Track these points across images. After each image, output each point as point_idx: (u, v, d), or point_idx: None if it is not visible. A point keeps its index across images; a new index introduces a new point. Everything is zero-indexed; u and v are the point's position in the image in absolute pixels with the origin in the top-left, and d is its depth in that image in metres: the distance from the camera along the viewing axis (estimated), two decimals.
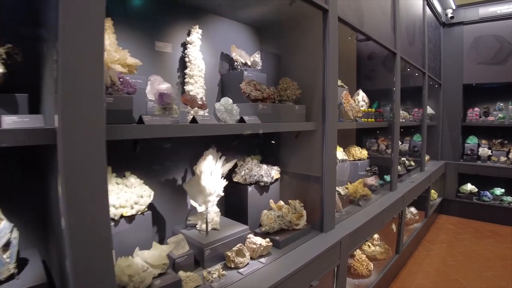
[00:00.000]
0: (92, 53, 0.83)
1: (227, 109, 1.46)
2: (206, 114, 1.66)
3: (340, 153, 2.82)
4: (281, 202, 1.92)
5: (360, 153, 3.01)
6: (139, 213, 1.44)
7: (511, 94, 4.99)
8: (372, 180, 3.32)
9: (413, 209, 3.95)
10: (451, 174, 5.23)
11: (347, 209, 2.43)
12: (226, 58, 2.02)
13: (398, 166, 3.54)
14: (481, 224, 4.86)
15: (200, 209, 1.65)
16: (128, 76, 1.39)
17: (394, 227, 2.86)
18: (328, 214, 1.94)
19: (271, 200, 1.91)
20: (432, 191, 5.10)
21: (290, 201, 1.94)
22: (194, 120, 1.31)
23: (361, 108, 2.75)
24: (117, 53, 1.42)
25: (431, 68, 4.50)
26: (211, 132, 1.29)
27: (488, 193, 4.97)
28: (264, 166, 2.01)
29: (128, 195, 1.40)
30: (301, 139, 2.00)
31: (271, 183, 2.00)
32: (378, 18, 2.74)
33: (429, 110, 5.12)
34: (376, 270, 2.76)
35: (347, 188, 2.56)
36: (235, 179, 1.92)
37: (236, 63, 1.93)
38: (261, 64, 2.02)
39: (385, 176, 3.68)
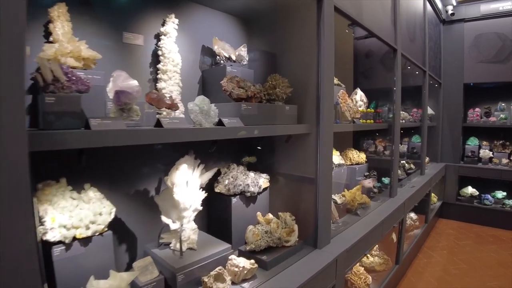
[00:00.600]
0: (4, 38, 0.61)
1: (203, 110, 1.23)
2: (182, 115, 1.44)
3: (336, 157, 2.60)
4: (270, 215, 1.70)
5: (358, 156, 2.80)
6: (97, 234, 1.21)
7: None
8: (369, 183, 3.13)
9: (413, 215, 3.75)
10: (451, 176, 5.05)
11: (344, 219, 2.21)
12: (208, 52, 1.80)
13: (398, 170, 3.34)
14: (482, 229, 4.68)
15: (174, 226, 1.42)
16: (82, 71, 1.16)
17: (394, 236, 2.66)
18: (323, 228, 1.72)
19: (258, 213, 1.69)
20: (432, 194, 4.92)
21: (280, 213, 1.72)
22: (159, 124, 1.08)
23: (360, 109, 2.54)
24: (70, 44, 1.19)
25: (431, 67, 4.31)
26: (178, 138, 1.06)
27: (489, 196, 4.79)
28: (251, 174, 1.78)
29: (83, 213, 1.17)
30: (293, 143, 1.78)
31: (259, 193, 1.77)
32: (378, 12, 2.53)
33: (429, 110, 4.92)
34: (375, 283, 2.55)
35: (344, 196, 2.35)
36: (217, 189, 1.70)
37: (218, 57, 1.71)
38: (247, 59, 1.79)
39: (383, 179, 3.49)
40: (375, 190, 2.70)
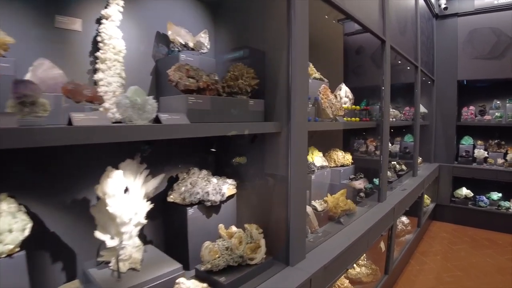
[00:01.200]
0: None
1: (135, 103, 0.99)
2: (114, 109, 1.19)
3: (319, 159, 2.37)
4: (234, 228, 1.46)
5: (343, 157, 2.57)
6: (3, 256, 0.97)
7: (508, 91, 4.63)
8: (360, 184, 2.93)
9: (404, 219, 3.54)
10: (445, 177, 4.85)
11: (325, 229, 1.98)
12: (164, 40, 1.55)
13: (388, 172, 3.12)
14: (477, 232, 4.49)
15: (112, 243, 1.18)
16: None
17: (382, 245, 2.43)
18: (296, 241, 1.49)
19: (220, 226, 1.45)
20: (425, 196, 4.72)
21: (246, 226, 1.48)
22: (70, 121, 0.84)
23: (344, 105, 2.31)
24: None
25: (423, 63, 4.10)
26: (87, 139, 0.81)
27: (484, 198, 4.61)
28: (214, 180, 1.54)
29: None
30: (261, 144, 1.55)
31: (223, 202, 1.53)
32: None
33: (421, 108, 4.72)
34: None
35: (326, 202, 2.11)
36: (170, 198, 1.45)
37: (173, 44, 1.46)
38: (208, 46, 1.55)
39: (375, 180, 3.28)
40: (362, 194, 2.48)
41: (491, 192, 4.65)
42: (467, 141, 4.95)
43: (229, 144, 1.74)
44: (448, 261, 3.57)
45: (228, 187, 1.56)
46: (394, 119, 3.24)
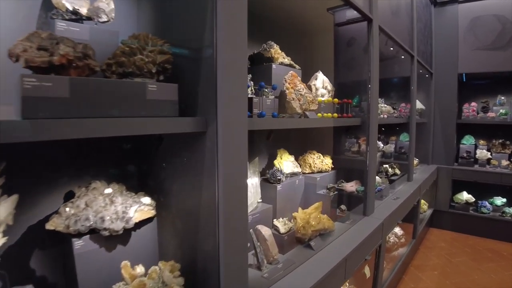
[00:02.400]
0: None
1: None
2: None
3: (289, 164, 1.93)
4: (138, 269, 1.01)
5: (322, 162, 2.13)
6: None
7: None
8: (352, 186, 2.52)
9: (397, 230, 3.10)
10: (444, 181, 4.42)
11: (289, 256, 1.54)
12: (51, 7, 1.10)
13: (378, 177, 2.68)
14: (479, 241, 4.06)
15: None
16: None
17: (367, 270, 1.99)
18: (232, 282, 1.04)
19: (124, 264, 1.01)
20: (422, 201, 4.29)
21: (160, 264, 1.04)
22: None
23: (318, 98, 1.86)
24: None
25: (420, 53, 3.66)
26: None
27: (487, 203, 4.18)
28: (118, 200, 1.09)
29: None
30: (181, 149, 1.10)
31: (128, 229, 1.09)
32: None
33: (418, 104, 4.29)
34: None
35: (295, 219, 1.67)
36: (49, 225, 1.00)
37: (56, 10, 1.01)
38: (112, 15, 1.10)
39: (376, 177, 2.88)
40: (343, 207, 2.03)
41: (495, 197, 4.23)
42: (468, 141, 4.52)
43: (157, 148, 1.29)
44: (447, 277, 3.14)
45: (140, 208, 1.11)
46: (385, 116, 2.80)
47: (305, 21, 2.59)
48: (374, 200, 2.26)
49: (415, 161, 4.27)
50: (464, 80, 4.53)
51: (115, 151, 1.31)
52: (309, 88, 1.97)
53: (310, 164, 2.06)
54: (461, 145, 4.55)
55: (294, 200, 1.92)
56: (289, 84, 1.62)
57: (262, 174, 1.92)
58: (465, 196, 4.30)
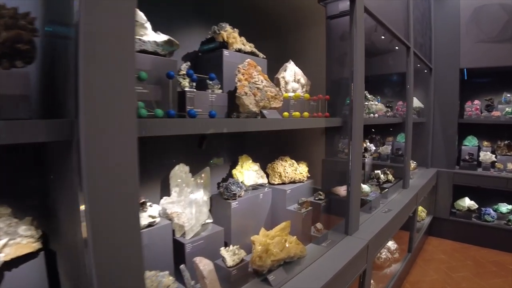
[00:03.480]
0: None
1: None
2: None
3: (252, 174, 1.58)
4: None
5: (295, 171, 1.77)
6: None
7: None
8: (345, 190, 2.16)
9: (391, 244, 2.74)
10: (444, 186, 4.05)
11: None
12: None
13: (367, 186, 2.32)
14: (482, 252, 3.70)
15: None
16: None
17: None
18: None
19: None
20: (420, 208, 3.93)
21: None
22: None
23: (285, 93, 1.50)
24: None
25: (418, 45, 3.29)
26: None
27: (491, 210, 3.82)
28: None
29: None
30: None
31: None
32: None
33: (416, 102, 3.92)
34: None
35: (253, 244, 1.32)
36: None
37: None
38: None
39: (363, 186, 2.55)
40: (320, 226, 1.67)
41: (500, 204, 3.87)
42: (471, 142, 4.16)
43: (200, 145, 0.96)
44: None
45: (15, 241, 0.76)
46: (375, 115, 2.43)
47: (295, 13, 2.26)
48: (359, 215, 1.90)
49: (413, 164, 3.90)
50: (466, 78, 4.17)
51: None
52: (277, 81, 1.62)
53: (280, 173, 1.70)
54: (463, 147, 4.18)
55: (257, 219, 1.56)
56: (242, 75, 1.26)
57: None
58: (467, 202, 3.93)
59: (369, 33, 3.61)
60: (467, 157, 4.05)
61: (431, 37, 4.03)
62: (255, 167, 1.61)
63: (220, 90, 1.25)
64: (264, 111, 1.26)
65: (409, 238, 2.97)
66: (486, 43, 3.84)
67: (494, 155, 3.88)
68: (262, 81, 1.32)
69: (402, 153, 4.08)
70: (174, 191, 1.28)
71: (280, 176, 1.70)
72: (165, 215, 1.23)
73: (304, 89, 1.71)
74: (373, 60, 4.00)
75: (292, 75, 1.64)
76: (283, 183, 1.73)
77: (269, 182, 1.71)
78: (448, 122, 4.09)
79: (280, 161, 1.76)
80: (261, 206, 1.57)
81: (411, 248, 2.99)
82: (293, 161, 1.81)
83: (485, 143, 4.07)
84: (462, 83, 4.12)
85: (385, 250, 2.68)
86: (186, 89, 1.12)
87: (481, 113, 4.00)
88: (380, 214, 2.19)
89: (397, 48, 2.91)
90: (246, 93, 1.24)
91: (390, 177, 2.72)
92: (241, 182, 1.52)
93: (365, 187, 2.20)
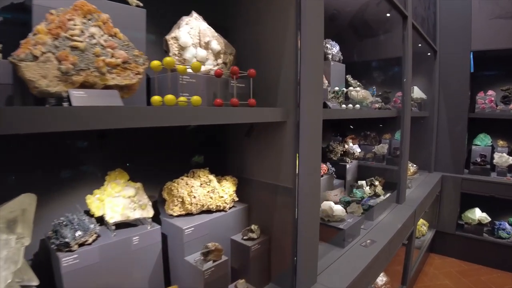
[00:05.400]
0: None
1: None
2: None
3: (121, 203, 0.91)
4: None
5: (210, 193, 1.09)
6: None
7: None
8: (335, 195, 1.86)
9: (379, 279, 2.07)
10: (450, 194, 3.37)
11: None
12: None
13: (339, 207, 1.64)
14: (496, 277, 3.02)
15: None
16: None
17: None
18: None
19: None
20: (421, 220, 3.26)
21: None
22: None
23: (179, 67, 0.82)
24: None
25: (419, 17, 2.59)
26: None
27: (507, 225, 3.15)
28: None
29: None
30: None
31: None
32: None
33: (418, 92, 3.23)
34: None
35: None
36: None
37: None
38: None
39: (355, 191, 1.94)
40: (241, 285, 1.01)
41: None
42: (483, 141, 3.46)
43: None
44: None
45: None
46: (355, 106, 1.73)
47: None
48: (316, 260, 1.24)
49: (412, 168, 3.22)
50: (476, 64, 3.46)
51: None
52: (166, 46, 0.94)
53: (183, 198, 1.03)
54: (473, 147, 3.48)
55: (128, 282, 0.90)
56: (48, 24, 0.59)
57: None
58: (477, 214, 3.24)
59: (363, 9, 2.94)
60: (478, 160, 3.35)
61: (436, 13, 3.31)
62: (131, 190, 0.95)
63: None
64: (76, 93, 0.59)
65: (403, 269, 2.29)
66: (503, 19, 3.12)
67: (511, 158, 3.18)
68: (94, 37, 0.65)
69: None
70: None
71: (183, 203, 1.04)
72: None
73: (220, 61, 1.04)
74: (367, 43, 3.32)
75: (195, 35, 0.97)
76: (189, 214, 1.07)
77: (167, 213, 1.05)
78: (456, 116, 3.38)
79: (186, 179, 1.09)
80: (137, 259, 0.91)
81: (406, 280, 2.32)
82: (212, 176, 1.14)
83: (501, 142, 3.37)
84: (476, 66, 3.41)
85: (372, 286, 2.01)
86: None
87: (496, 106, 3.30)
88: (356, 249, 1.52)
89: (388, 15, 2.21)
90: (36, 57, 0.57)
91: (379, 188, 2.04)
92: (96, 217, 0.86)
93: (337, 209, 1.53)
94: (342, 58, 2.04)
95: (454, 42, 3.30)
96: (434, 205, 3.33)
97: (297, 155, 1.05)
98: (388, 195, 2.13)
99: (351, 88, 1.68)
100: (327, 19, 2.97)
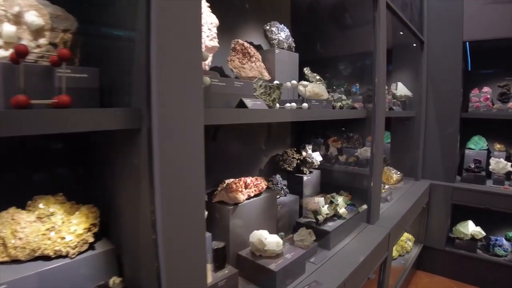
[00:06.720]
0: None
1: None
2: None
3: None
4: None
5: (46, 233, 0.71)
6: None
7: None
8: (315, 203, 1.56)
9: None
10: (440, 205, 2.98)
11: None
12: None
13: (276, 237, 1.25)
14: None
15: None
16: None
17: None
18: None
19: None
20: (405, 235, 2.87)
21: None
22: None
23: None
24: None
25: (399, 1, 2.19)
26: None
27: (503, 240, 2.76)
28: None
29: None
30: None
31: None
32: None
33: (402, 89, 2.83)
34: None
35: None
36: None
37: None
38: None
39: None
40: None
41: None
42: (477, 145, 3.07)
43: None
44: None
45: None
46: (313, 102, 1.32)
47: None
48: None
49: (396, 175, 2.83)
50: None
51: None
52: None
53: (4, 239, 0.66)
54: (466, 151, 3.09)
55: None
56: None
57: None
58: (470, 228, 2.84)
59: None
60: (472, 166, 2.95)
61: (422, 0, 2.91)
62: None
63: None
64: None
65: None
66: (499, 4, 2.72)
67: (510, 164, 2.78)
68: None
69: (386, 158, 3.03)
70: None
71: (5, 245, 0.66)
72: None
73: (44, 40, 0.65)
74: (347, 35, 2.93)
75: None
76: (17, 261, 0.69)
77: None
78: (447, 116, 2.97)
79: (13, 211, 0.71)
80: None
81: None
82: (58, 206, 0.76)
83: (498, 146, 2.98)
84: (471, 56, 3.02)
85: None
86: None
87: (493, 104, 2.90)
88: None
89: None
90: None
91: (342, 208, 1.63)
92: None
93: (270, 242, 1.14)
94: (294, 45, 1.64)
95: (443, 31, 2.89)
96: (421, 216, 2.93)
97: (152, 184, 0.65)
98: (354, 214, 1.73)
99: (294, 82, 1.29)
100: (305, 11, 2.60)
